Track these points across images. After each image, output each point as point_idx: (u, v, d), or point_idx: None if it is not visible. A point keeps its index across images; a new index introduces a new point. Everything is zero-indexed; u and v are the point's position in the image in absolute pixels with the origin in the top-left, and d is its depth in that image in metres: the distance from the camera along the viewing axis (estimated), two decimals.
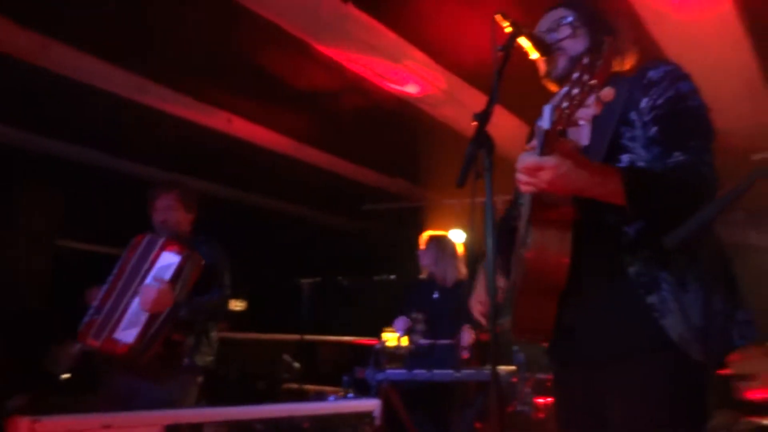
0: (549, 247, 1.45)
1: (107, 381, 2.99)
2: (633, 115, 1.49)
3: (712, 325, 1.36)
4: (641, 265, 1.42)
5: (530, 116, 1.91)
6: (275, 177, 5.96)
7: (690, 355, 1.35)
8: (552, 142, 1.29)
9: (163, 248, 2.90)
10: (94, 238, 6.42)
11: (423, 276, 4.26)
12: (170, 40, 3.71)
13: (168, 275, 2.81)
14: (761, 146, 4.88)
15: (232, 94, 4.48)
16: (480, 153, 1.47)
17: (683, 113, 1.45)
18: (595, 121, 1.46)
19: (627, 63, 1.65)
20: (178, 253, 2.87)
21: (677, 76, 1.49)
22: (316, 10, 3.35)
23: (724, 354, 1.42)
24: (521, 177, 1.37)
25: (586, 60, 1.19)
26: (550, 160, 1.29)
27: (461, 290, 3.92)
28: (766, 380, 3.38)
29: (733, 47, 3.60)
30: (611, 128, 1.49)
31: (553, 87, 1.71)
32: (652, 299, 1.39)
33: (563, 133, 1.32)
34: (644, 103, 1.48)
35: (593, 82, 1.16)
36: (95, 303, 2.92)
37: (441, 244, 4.19)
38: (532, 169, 1.32)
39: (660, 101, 1.46)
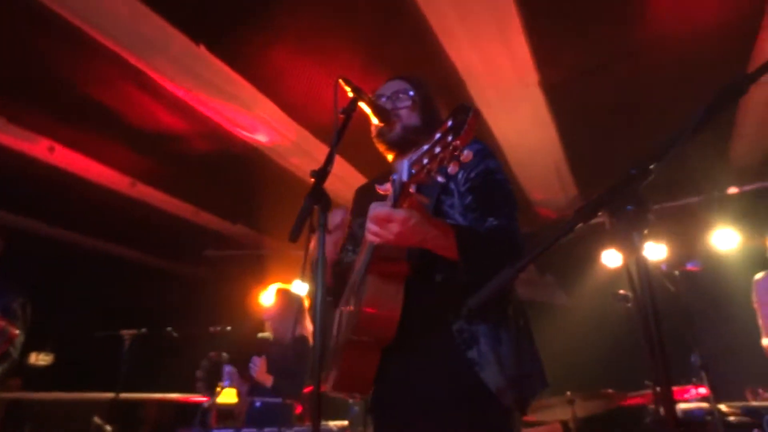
0: (383, 301, 1.50)
1: None
2: (452, 185, 1.66)
3: (522, 374, 1.51)
4: (463, 321, 1.54)
5: (368, 168, 2.00)
6: (104, 216, 5.42)
7: (503, 403, 1.47)
8: (406, 195, 1.36)
9: None
10: None
11: (265, 332, 4.16)
12: None
13: None
14: (567, 214, 5.66)
15: (54, 120, 4.05)
16: (315, 208, 1.51)
17: (493, 185, 1.64)
18: (420, 188, 1.58)
19: None
20: None
21: (486, 153, 1.70)
22: (166, 47, 3.24)
23: (530, 400, 1.57)
24: (371, 227, 1.42)
25: (451, 122, 1.22)
26: (401, 213, 1.37)
27: (298, 347, 3.86)
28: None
29: (545, 132, 4.21)
30: (435, 196, 1.64)
31: (382, 148, 1.84)
32: (472, 354, 1.50)
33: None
34: (461, 175, 1.66)
35: (458, 143, 1.20)
36: None
37: (288, 298, 4.13)
38: (383, 220, 1.39)
39: (473, 174, 1.64)
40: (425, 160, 1.25)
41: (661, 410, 3.00)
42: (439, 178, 1.26)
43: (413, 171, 1.28)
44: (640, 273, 0.92)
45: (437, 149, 1.23)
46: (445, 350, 1.53)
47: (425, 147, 1.26)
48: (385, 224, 1.39)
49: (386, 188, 1.48)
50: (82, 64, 3.40)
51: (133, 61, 3.30)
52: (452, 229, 1.48)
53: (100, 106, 3.78)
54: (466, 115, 1.20)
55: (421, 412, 1.55)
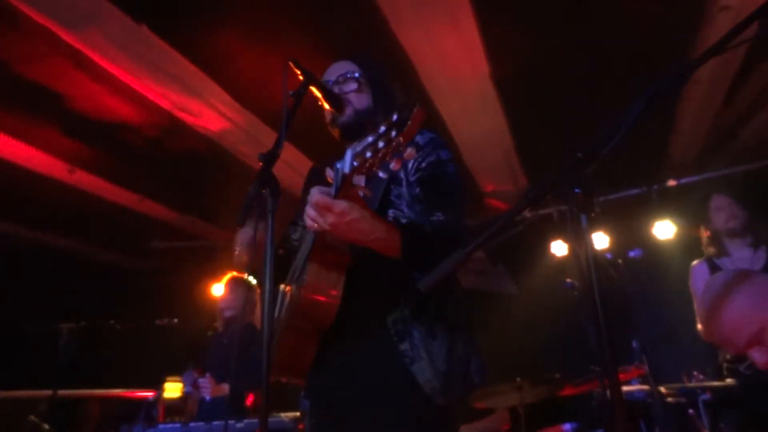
0: (323, 287, 1.48)
1: None
2: (401, 174, 1.63)
3: (453, 372, 1.51)
4: (398, 314, 1.53)
5: (319, 156, 1.97)
6: (40, 204, 5.14)
7: (433, 398, 1.47)
8: (347, 187, 1.33)
9: None
10: None
11: (218, 322, 4.07)
12: None
13: None
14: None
15: None
16: (263, 192, 1.46)
17: (442, 177, 1.61)
18: (371, 180, 1.56)
19: None
20: None
21: (438, 143, 1.67)
22: (104, 24, 3.07)
23: (467, 393, 1.58)
24: (310, 211, 1.38)
25: (395, 117, 1.19)
26: (340, 204, 1.34)
27: (247, 335, 3.79)
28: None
29: (495, 121, 4.26)
30: (383, 184, 1.61)
31: (336, 133, 1.80)
32: (404, 346, 1.50)
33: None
34: (411, 164, 1.63)
35: (401, 140, 1.18)
36: None
37: (241, 286, 4.05)
38: (322, 208, 1.35)
39: (424, 164, 1.62)
40: (368, 154, 1.22)
41: (608, 393, 3.12)
42: (381, 174, 1.24)
43: (355, 164, 1.25)
44: (587, 256, 0.92)
45: (380, 144, 1.20)
46: (378, 341, 1.52)
47: (369, 139, 1.23)
48: (323, 212, 1.36)
49: (331, 174, 1.44)
50: (10, 40, 3.18)
51: (67, 38, 3.11)
52: (398, 231, 1.46)
53: (33, 86, 3.56)
54: (410, 111, 1.17)
55: (354, 400, 1.54)
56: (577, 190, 0.97)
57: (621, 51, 3.56)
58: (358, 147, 1.25)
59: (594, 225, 0.96)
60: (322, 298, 1.48)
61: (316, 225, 1.39)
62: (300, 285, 1.50)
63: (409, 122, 1.16)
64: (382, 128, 1.21)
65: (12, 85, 3.57)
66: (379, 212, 1.55)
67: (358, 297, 1.52)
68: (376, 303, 1.54)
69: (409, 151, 1.20)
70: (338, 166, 1.37)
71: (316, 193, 1.38)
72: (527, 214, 5.21)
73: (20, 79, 3.49)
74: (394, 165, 1.21)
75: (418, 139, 1.65)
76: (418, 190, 1.59)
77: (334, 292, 1.48)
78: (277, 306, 1.74)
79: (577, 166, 1.00)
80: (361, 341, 1.55)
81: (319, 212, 1.36)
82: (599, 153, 1.00)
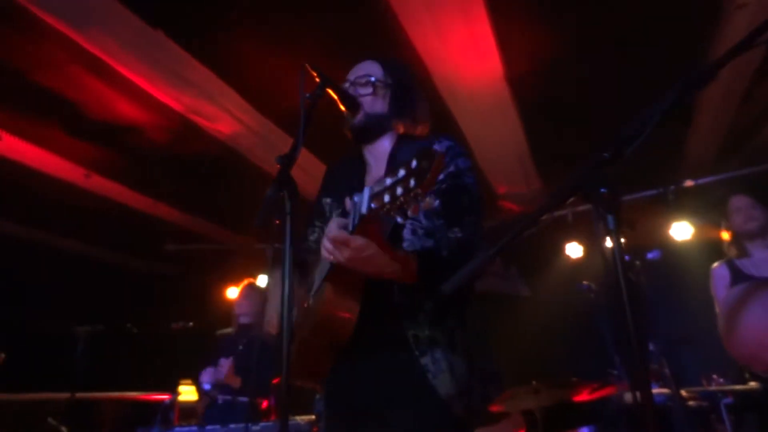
0: (340, 305, 1.48)
1: None
2: None
3: (473, 384, 1.52)
4: (418, 329, 1.52)
5: (331, 158, 1.97)
6: (57, 209, 5.19)
7: (454, 411, 1.47)
8: (364, 224, 1.33)
9: None
10: None
11: (230, 329, 4.08)
12: None
13: None
14: (530, 208, 5.73)
15: (0, 107, 3.83)
16: (282, 195, 1.45)
17: (461, 190, 1.60)
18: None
19: (420, 130, 1.82)
20: None
21: (457, 152, 1.66)
22: (122, 30, 3.10)
23: (484, 409, 1.58)
24: (327, 245, 1.40)
25: (415, 164, 1.17)
26: (357, 241, 1.35)
27: (264, 342, 3.80)
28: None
29: (509, 124, 4.24)
30: None
31: (349, 136, 1.81)
32: (425, 360, 1.49)
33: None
34: None
35: (419, 191, 1.16)
36: None
37: (257, 293, 4.07)
38: (339, 243, 1.37)
39: (442, 176, 1.59)
40: (386, 198, 1.22)
41: (627, 397, 3.08)
42: (398, 219, 1.26)
43: (373, 206, 1.25)
44: (615, 256, 0.90)
45: (399, 190, 1.19)
46: (398, 354, 1.52)
47: (388, 182, 1.22)
48: (340, 246, 1.37)
49: (349, 205, 1.44)
50: (28, 46, 3.22)
51: (85, 44, 3.15)
52: (415, 262, 1.47)
53: (50, 92, 3.60)
54: (431, 161, 1.15)
55: (371, 407, 1.54)
56: (603, 190, 0.96)
57: (638, 49, 3.53)
58: (376, 187, 1.25)
59: (621, 226, 0.94)
60: (340, 314, 1.48)
61: (332, 258, 1.40)
62: (318, 301, 1.51)
63: (429, 174, 1.14)
64: (401, 172, 1.20)
65: (28, 91, 3.62)
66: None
67: (376, 311, 1.51)
68: (395, 316, 1.54)
69: (428, 201, 1.20)
70: (356, 200, 1.37)
71: (333, 228, 1.40)
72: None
73: (36, 85, 3.54)
74: (411, 212, 1.21)
75: (437, 147, 1.64)
76: (437, 203, 1.57)
77: (351, 310, 1.48)
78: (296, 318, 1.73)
79: (603, 166, 0.98)
80: (381, 354, 1.54)
81: (336, 246, 1.38)
82: (625, 152, 0.99)
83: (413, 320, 1.53)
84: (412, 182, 1.17)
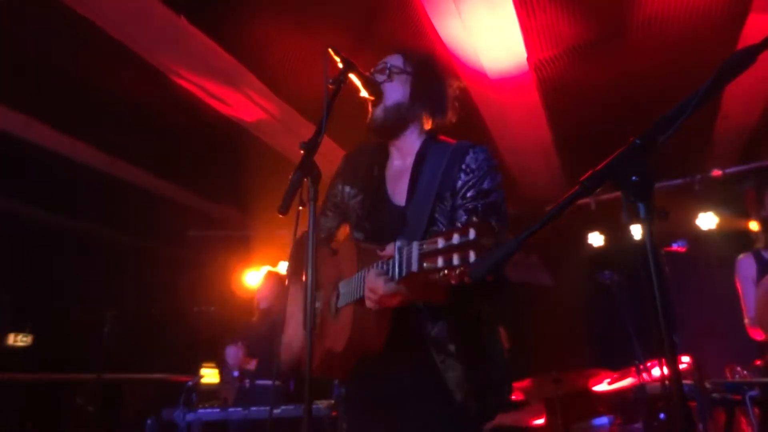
0: (372, 330, 1.49)
1: None
2: (447, 194, 1.60)
3: (488, 383, 1.51)
4: (439, 328, 1.52)
5: (350, 144, 1.96)
6: (83, 195, 5.29)
7: (468, 410, 1.48)
8: (413, 278, 1.29)
9: None
10: None
11: (254, 316, 4.17)
12: None
13: None
14: (552, 198, 5.67)
15: (29, 94, 3.89)
16: (305, 181, 1.46)
17: (489, 210, 1.56)
18: (418, 190, 1.61)
19: (450, 117, 1.78)
20: None
21: (489, 167, 1.62)
22: (147, 18, 3.12)
23: (499, 407, 1.58)
24: (371, 296, 1.39)
25: (473, 235, 1.14)
26: (402, 290, 1.36)
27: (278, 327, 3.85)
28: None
29: (534, 115, 4.19)
30: (430, 204, 1.58)
31: (372, 133, 1.76)
32: (441, 358, 1.49)
33: None
34: (459, 184, 1.59)
35: (462, 269, 1.14)
36: None
37: (280, 279, 4.12)
38: (387, 297, 1.37)
39: (470, 194, 1.58)
40: (440, 262, 1.17)
41: (667, 386, 3.04)
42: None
43: (425, 265, 1.21)
44: (647, 245, 0.89)
45: (455, 260, 1.15)
46: (417, 351, 1.52)
47: (440, 244, 1.18)
48: (378, 296, 1.38)
49: (387, 252, 1.40)
50: (56, 34, 3.26)
51: (111, 32, 3.18)
52: (443, 295, 1.45)
53: (75, 78, 3.65)
54: (489, 238, 1.13)
55: (391, 398, 1.55)
56: (634, 178, 0.94)
57: (661, 43, 3.44)
58: (426, 247, 1.22)
59: (653, 214, 0.93)
60: (372, 339, 1.49)
61: (376, 306, 1.41)
62: (346, 318, 1.52)
63: (472, 253, 1.12)
64: (456, 238, 1.15)
65: (54, 77, 3.67)
66: (425, 231, 1.54)
67: (399, 313, 1.50)
68: (417, 317, 1.54)
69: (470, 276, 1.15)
70: (398, 244, 1.33)
71: (373, 278, 1.38)
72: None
73: (63, 72, 3.58)
74: (452, 281, 1.18)
75: (469, 160, 1.62)
76: (464, 219, 1.54)
77: (379, 328, 1.48)
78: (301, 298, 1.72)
79: (635, 153, 0.96)
80: (401, 350, 1.54)
81: (374, 292, 1.38)
82: (658, 139, 0.96)
83: (436, 318, 1.53)
84: (471, 255, 1.13)
